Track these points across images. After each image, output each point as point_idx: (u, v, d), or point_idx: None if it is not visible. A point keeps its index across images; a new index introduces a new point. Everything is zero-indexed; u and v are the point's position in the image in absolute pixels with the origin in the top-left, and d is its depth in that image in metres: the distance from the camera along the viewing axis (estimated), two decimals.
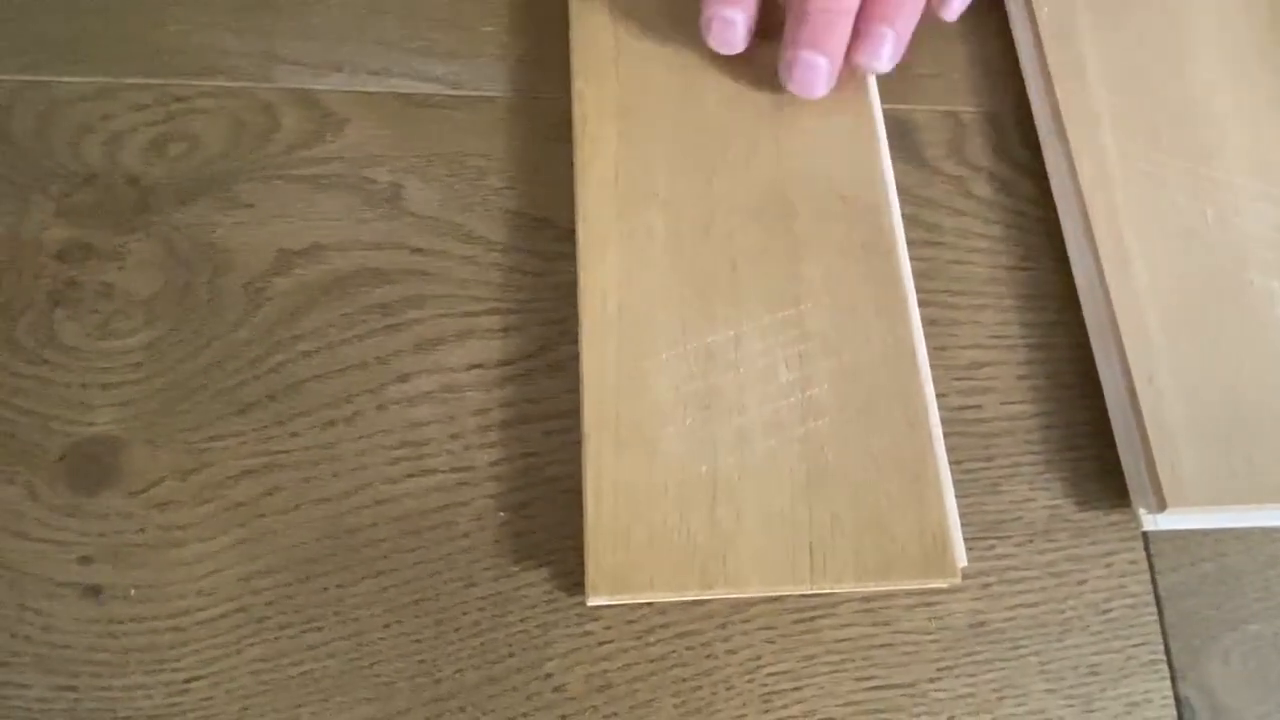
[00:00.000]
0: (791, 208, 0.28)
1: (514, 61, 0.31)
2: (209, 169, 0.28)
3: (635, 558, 0.23)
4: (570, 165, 0.29)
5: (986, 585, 0.26)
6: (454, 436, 0.26)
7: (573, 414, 0.26)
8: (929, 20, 0.29)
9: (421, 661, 0.24)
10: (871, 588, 0.24)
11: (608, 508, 0.23)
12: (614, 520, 0.23)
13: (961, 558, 0.24)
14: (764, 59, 0.29)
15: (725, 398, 0.25)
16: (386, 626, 0.24)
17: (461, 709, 0.24)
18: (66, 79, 0.29)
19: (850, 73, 0.29)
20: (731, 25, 0.28)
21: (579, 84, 0.29)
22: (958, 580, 0.24)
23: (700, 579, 0.23)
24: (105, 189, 0.28)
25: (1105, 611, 0.26)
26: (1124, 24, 0.32)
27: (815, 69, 0.27)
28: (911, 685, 0.25)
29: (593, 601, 0.23)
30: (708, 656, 0.24)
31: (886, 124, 0.30)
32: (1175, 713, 0.25)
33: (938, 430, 0.25)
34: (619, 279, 0.26)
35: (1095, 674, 0.25)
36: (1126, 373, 0.27)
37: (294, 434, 0.26)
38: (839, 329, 0.26)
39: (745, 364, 0.25)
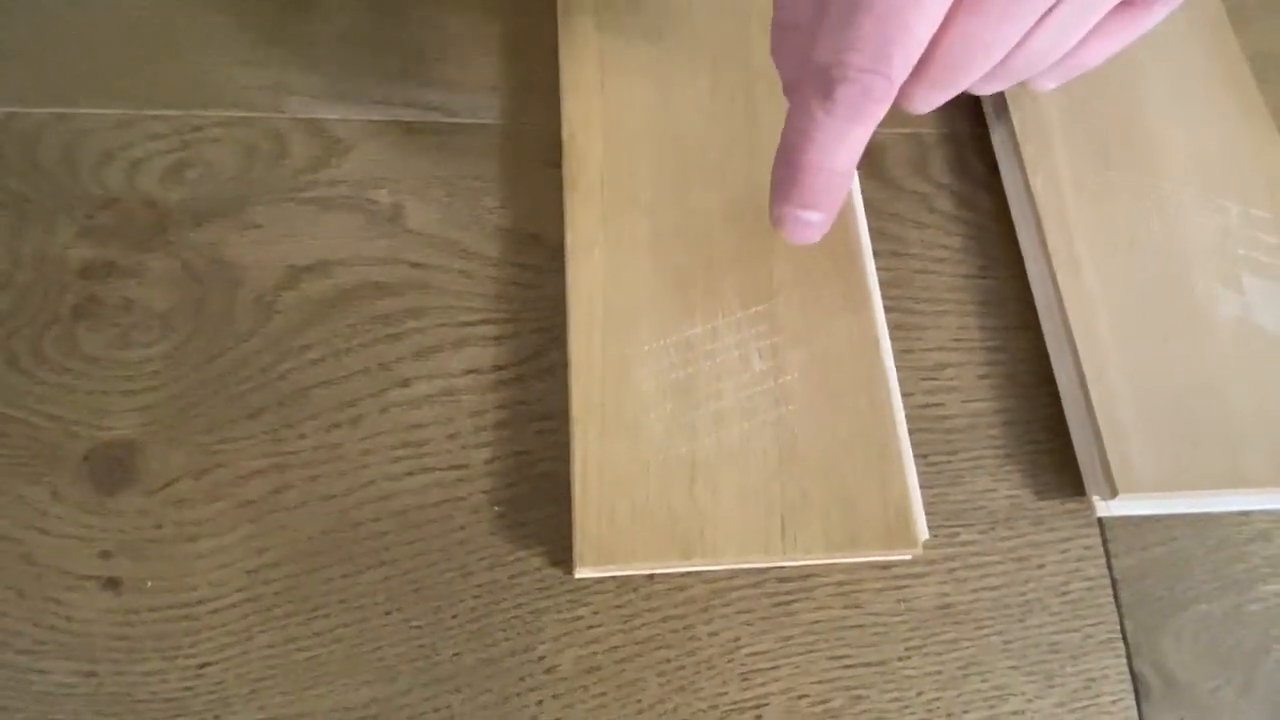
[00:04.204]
0: (764, 213, 0.30)
1: (507, 90, 0.33)
2: (222, 192, 0.31)
3: (619, 532, 0.25)
4: (559, 186, 0.31)
5: (952, 570, 0.27)
6: (451, 436, 0.28)
7: (562, 414, 0.28)
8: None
9: (421, 646, 0.25)
10: (839, 559, 0.26)
11: (594, 486, 0.25)
12: (600, 498, 0.25)
13: (923, 531, 0.26)
14: (733, 83, 0.32)
15: (703, 385, 0.27)
16: (388, 614, 0.26)
17: (458, 689, 0.25)
18: (90, 111, 0.31)
19: None
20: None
21: (568, 103, 0.31)
22: (919, 551, 0.26)
23: (680, 551, 0.25)
24: (125, 211, 0.30)
25: (1064, 593, 0.27)
26: None
27: (810, 225, 0.25)
28: (882, 663, 0.26)
29: (580, 573, 0.25)
30: (690, 638, 0.26)
31: None
32: (1131, 687, 0.26)
33: (900, 414, 0.27)
34: (604, 278, 0.28)
35: (1055, 652, 0.27)
36: (1079, 370, 0.29)
37: (301, 436, 0.27)
38: (808, 321, 0.28)
39: (721, 354, 0.27)
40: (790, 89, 0.23)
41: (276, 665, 0.25)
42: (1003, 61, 0.22)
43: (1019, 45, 0.21)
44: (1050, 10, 0.21)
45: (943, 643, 0.27)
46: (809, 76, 0.21)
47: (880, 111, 0.21)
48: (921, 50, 0.20)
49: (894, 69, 0.20)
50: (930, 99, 0.22)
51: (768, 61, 0.32)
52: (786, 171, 0.23)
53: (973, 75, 0.22)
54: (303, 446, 0.27)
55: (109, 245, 0.29)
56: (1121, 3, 0.22)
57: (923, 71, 0.21)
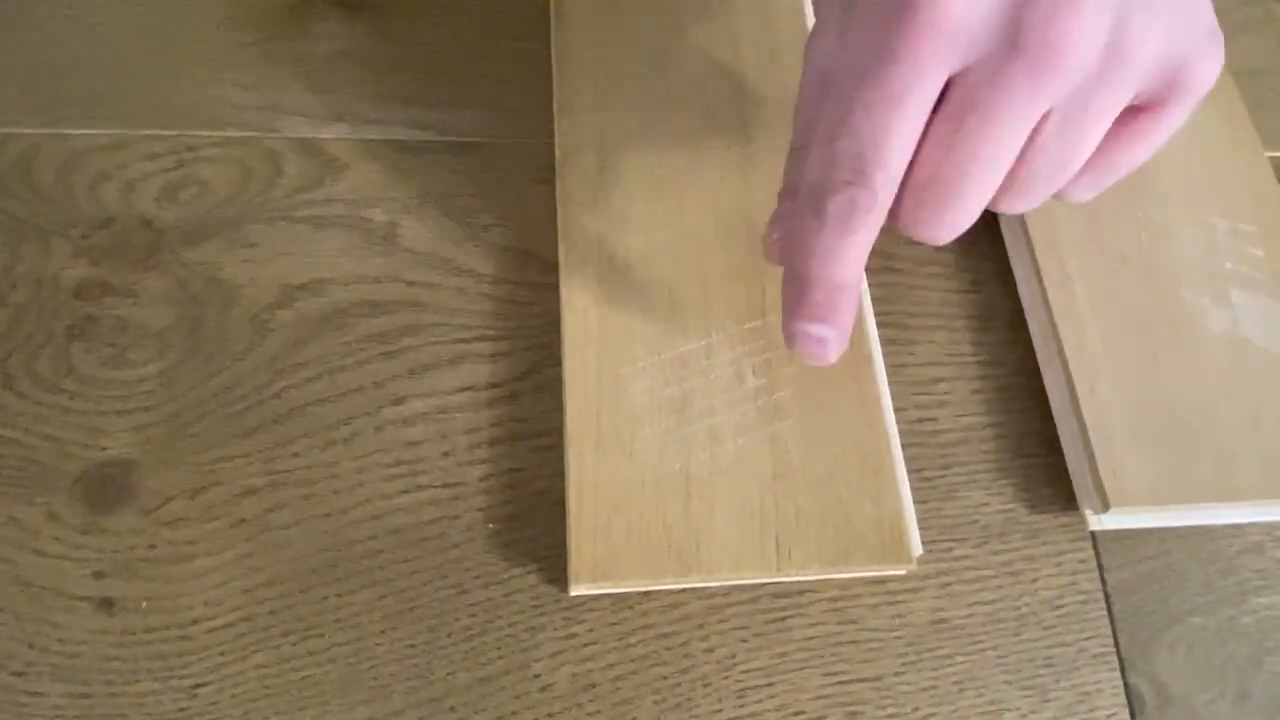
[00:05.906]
0: (756, 231, 0.30)
1: (501, 109, 0.33)
2: (217, 212, 0.31)
3: (615, 549, 0.25)
4: (552, 204, 0.31)
5: (946, 585, 0.28)
6: (446, 454, 0.28)
7: (557, 431, 0.28)
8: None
9: (416, 665, 0.25)
10: (833, 574, 0.26)
11: (589, 504, 0.25)
12: (595, 515, 0.25)
13: (917, 546, 0.26)
14: (725, 102, 0.32)
15: (697, 401, 0.27)
16: (383, 632, 0.26)
17: (453, 709, 0.25)
18: (85, 131, 0.31)
19: None
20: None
21: (561, 122, 0.32)
22: (913, 566, 0.26)
23: (675, 567, 0.25)
24: (121, 231, 0.30)
25: (1058, 607, 0.28)
26: None
27: (822, 342, 0.24)
28: (877, 679, 0.26)
29: (575, 590, 0.25)
30: (686, 655, 0.26)
31: None
32: (1125, 701, 0.27)
33: (893, 430, 0.27)
34: (598, 295, 0.28)
35: (1050, 666, 0.27)
36: (1070, 384, 0.29)
37: (296, 454, 0.27)
38: None
39: (715, 371, 0.28)
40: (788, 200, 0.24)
41: (271, 685, 0.25)
42: (1010, 181, 0.22)
43: (1021, 164, 0.22)
44: (1039, 129, 0.21)
45: (937, 658, 0.27)
46: (804, 193, 0.23)
47: (868, 223, 0.22)
48: (902, 166, 0.21)
49: (875, 182, 0.21)
50: (932, 222, 0.23)
51: (760, 82, 0.33)
52: (792, 286, 0.24)
53: (958, 194, 0.22)
54: (297, 465, 0.27)
55: (104, 265, 0.29)
56: (1130, 110, 0.22)
57: (909, 189, 0.22)
